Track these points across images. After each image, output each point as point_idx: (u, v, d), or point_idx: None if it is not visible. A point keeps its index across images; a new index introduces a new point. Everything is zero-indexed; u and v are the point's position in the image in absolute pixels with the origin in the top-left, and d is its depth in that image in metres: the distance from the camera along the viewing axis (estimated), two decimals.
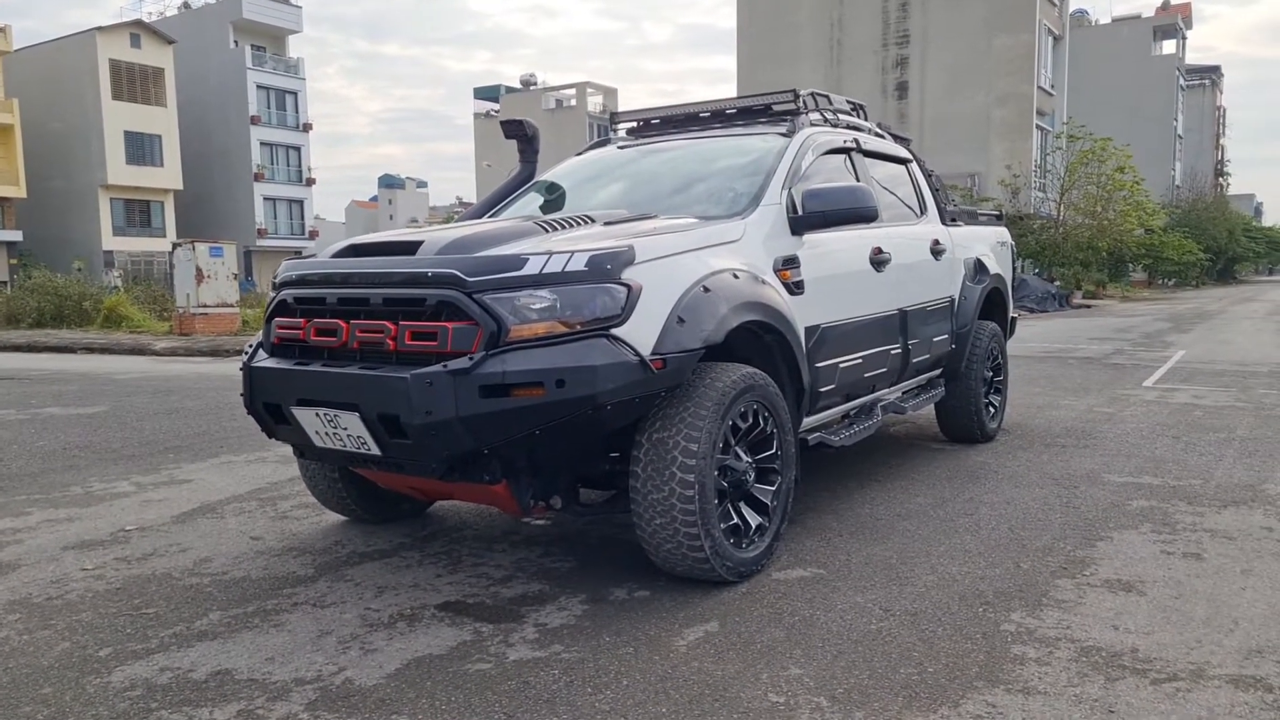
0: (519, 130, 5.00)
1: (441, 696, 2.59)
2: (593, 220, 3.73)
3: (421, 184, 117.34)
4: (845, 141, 4.86)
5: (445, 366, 2.98)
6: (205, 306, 17.78)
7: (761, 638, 2.96)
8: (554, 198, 4.98)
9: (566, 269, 3.09)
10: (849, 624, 3.07)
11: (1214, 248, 55.37)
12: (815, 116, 4.84)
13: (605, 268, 3.12)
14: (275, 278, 3.64)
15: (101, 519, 4.54)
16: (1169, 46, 67.35)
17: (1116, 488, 4.86)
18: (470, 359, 2.98)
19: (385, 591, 3.45)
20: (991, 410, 6.18)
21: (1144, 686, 2.60)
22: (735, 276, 3.52)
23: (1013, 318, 6.76)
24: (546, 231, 3.52)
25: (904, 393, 5.31)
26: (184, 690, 2.65)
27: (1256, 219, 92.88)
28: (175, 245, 18.28)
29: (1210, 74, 79.04)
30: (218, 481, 5.33)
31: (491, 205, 5.02)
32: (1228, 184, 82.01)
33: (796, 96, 4.79)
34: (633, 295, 3.13)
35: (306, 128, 54.79)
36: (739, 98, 5.10)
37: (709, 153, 4.75)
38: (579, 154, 5.38)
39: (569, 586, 3.48)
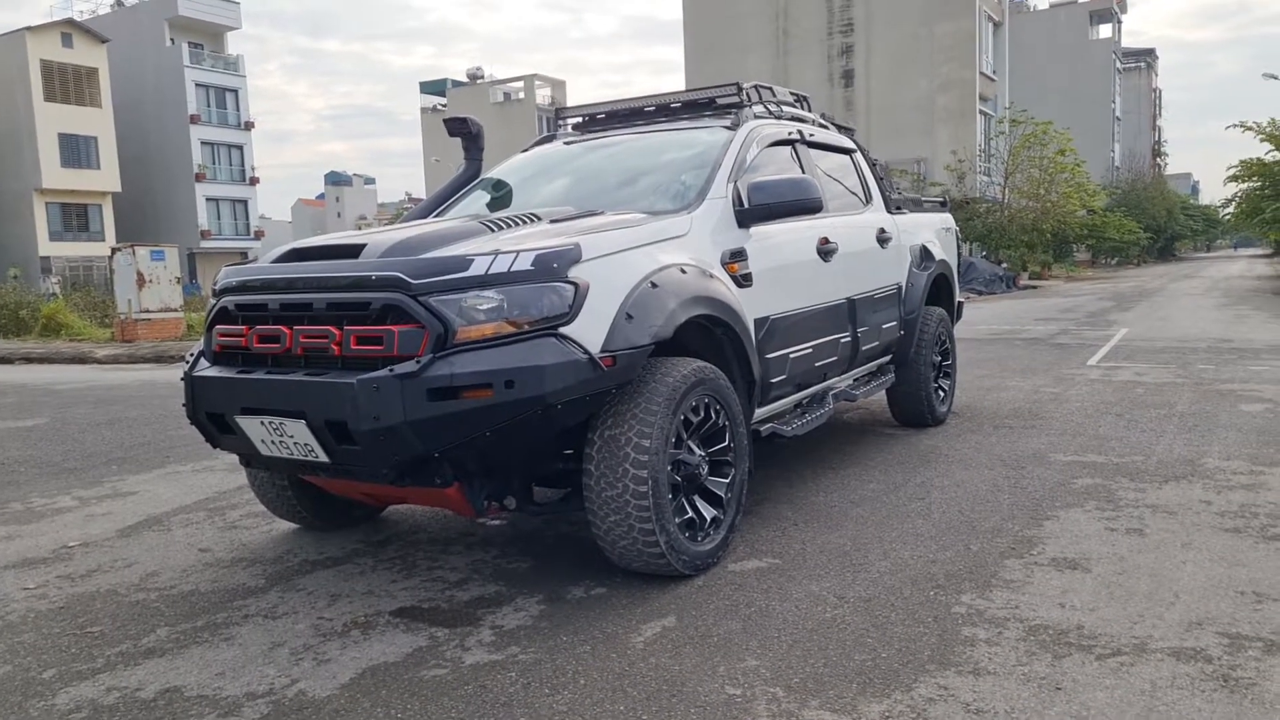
0: (463, 128, 4.95)
1: (397, 705, 2.56)
2: (539, 218, 3.71)
3: (369, 180, 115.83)
4: (789, 133, 4.89)
5: (392, 370, 2.94)
6: (148, 312, 17.38)
7: (718, 631, 2.98)
8: (500, 195, 4.94)
9: (512, 269, 3.06)
10: (804, 613, 3.10)
11: (1154, 226, 56.76)
12: (759, 109, 4.86)
13: (551, 266, 3.11)
14: (215, 284, 3.57)
15: (43, 536, 4.42)
16: (1105, 30, 68.82)
17: (1062, 467, 4.96)
18: (417, 362, 2.95)
19: (338, 599, 3.41)
20: (941, 394, 6.27)
21: (1089, 662, 2.66)
22: (683, 271, 3.52)
23: (959, 302, 6.86)
24: (492, 231, 3.49)
25: (855, 380, 5.36)
26: (131, 710, 2.59)
27: (1193, 197, 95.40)
28: (115, 250, 17.84)
29: (1145, 57, 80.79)
30: (163, 492, 5.22)
31: (437, 204, 4.96)
32: (1165, 164, 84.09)
33: (740, 90, 4.80)
34: (580, 293, 3.12)
35: (248, 126, 53.77)
36: (683, 91, 5.10)
37: (654, 147, 4.75)
38: (525, 150, 5.34)
39: (526, 587, 3.46)
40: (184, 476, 5.62)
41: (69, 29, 45.30)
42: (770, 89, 5.14)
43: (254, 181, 54.36)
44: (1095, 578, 3.32)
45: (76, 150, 45.37)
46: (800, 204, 4.09)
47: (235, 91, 53.02)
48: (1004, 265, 31.21)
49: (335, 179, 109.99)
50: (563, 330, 3.06)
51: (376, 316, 3.06)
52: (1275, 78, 35.18)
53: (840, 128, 5.89)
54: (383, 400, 2.93)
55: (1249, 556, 3.48)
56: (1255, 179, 30.38)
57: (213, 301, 3.54)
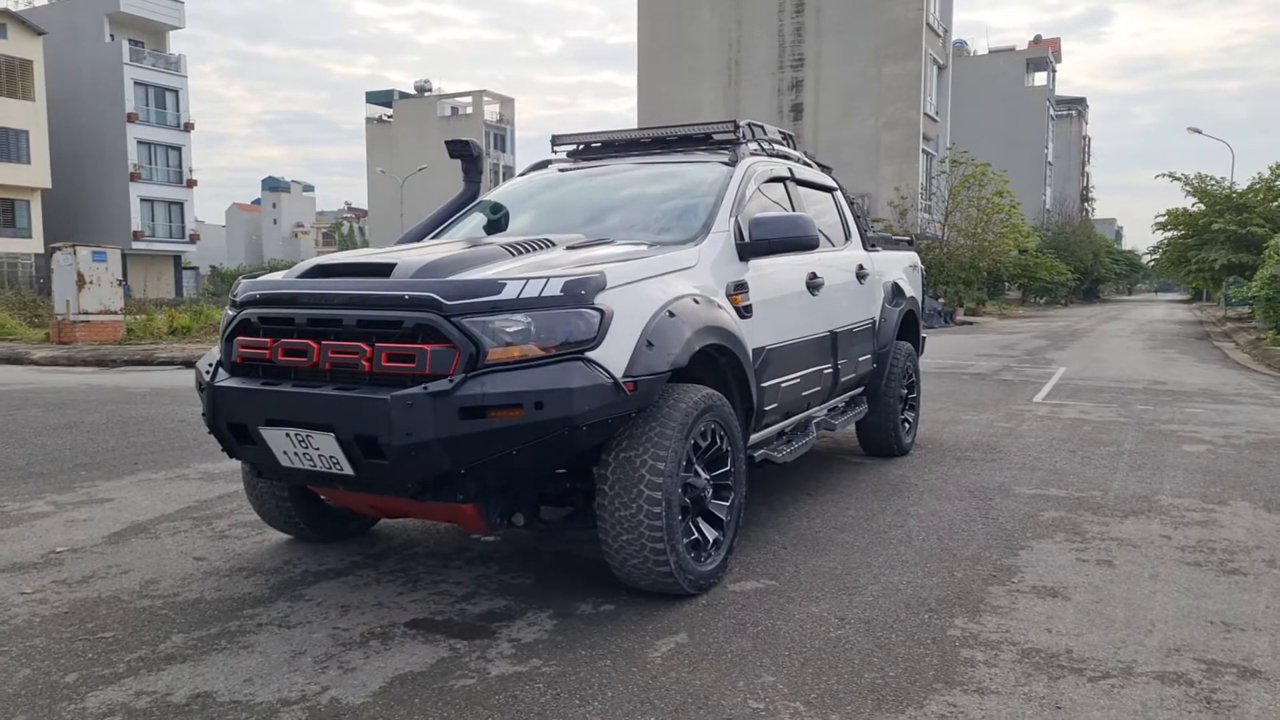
0: (464, 150, 5.04)
1: (433, 712, 2.64)
2: (554, 244, 3.82)
3: (308, 188, 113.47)
4: (780, 171, 5.09)
5: (425, 388, 3.02)
6: (87, 314, 16.97)
7: (730, 648, 3.11)
8: (497, 218, 5.04)
9: (543, 294, 3.18)
10: (809, 632, 3.24)
11: (1081, 268, 58.94)
12: (754, 146, 5.05)
13: (580, 293, 3.22)
14: (234, 296, 3.60)
15: (26, 540, 4.36)
16: (1040, 78, 71.61)
17: (1028, 499, 5.21)
18: (450, 381, 3.04)
19: (350, 610, 3.45)
20: (907, 426, 6.52)
21: (1083, 684, 2.85)
22: (696, 302, 3.67)
23: (923, 338, 7.14)
24: (513, 255, 3.59)
25: (831, 410, 5.56)
26: (166, 714, 2.61)
27: (1117, 242, 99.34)
28: (55, 249, 17.45)
29: (1077, 105, 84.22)
30: (141, 500, 5.17)
31: (436, 224, 5.04)
32: (1092, 209, 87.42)
33: (737, 127, 4.99)
34: (605, 320, 3.24)
35: (188, 127, 52.70)
36: (679, 125, 5.26)
37: (653, 179, 4.89)
38: (521, 174, 5.45)
39: (533, 602, 3.55)
40: (159, 484, 5.56)
41: (3, 19, 43.89)
42: (762, 127, 5.34)
43: (191, 184, 53.21)
44: (1075, 606, 3.53)
45: (5, 144, 43.95)
46: (799, 240, 4.27)
47: (176, 92, 51.98)
48: (941, 301, 32.10)
49: (273, 184, 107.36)
50: (589, 355, 3.18)
51: (408, 335, 3.14)
52: (1199, 132, 36.99)
53: (821, 166, 6.13)
54: (416, 417, 3.00)
55: (1213, 589, 3.73)
56: (1181, 229, 31.82)
57: (231, 313, 3.57)
